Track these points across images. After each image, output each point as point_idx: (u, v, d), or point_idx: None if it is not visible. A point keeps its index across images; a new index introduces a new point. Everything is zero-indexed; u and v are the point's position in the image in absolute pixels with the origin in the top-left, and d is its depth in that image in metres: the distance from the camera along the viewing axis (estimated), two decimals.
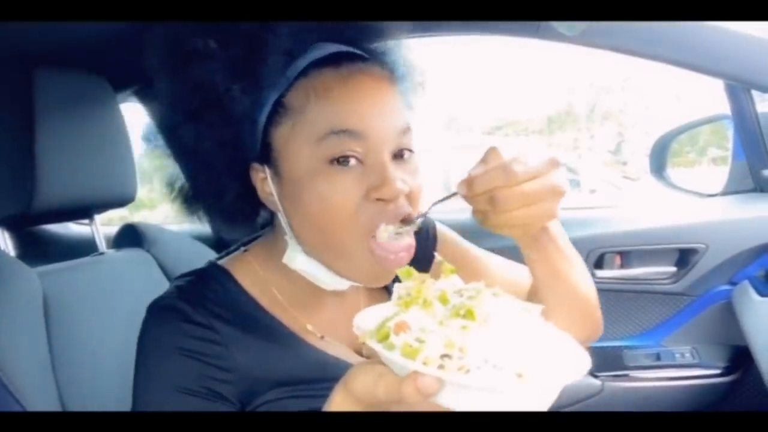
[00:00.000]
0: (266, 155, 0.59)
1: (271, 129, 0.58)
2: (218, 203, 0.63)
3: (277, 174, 0.59)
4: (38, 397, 0.76)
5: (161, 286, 0.66)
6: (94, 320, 0.89)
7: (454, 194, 0.55)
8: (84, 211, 1.04)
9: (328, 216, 0.56)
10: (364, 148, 0.55)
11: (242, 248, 0.69)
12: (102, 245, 1.10)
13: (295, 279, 0.64)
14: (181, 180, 0.63)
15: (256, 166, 0.60)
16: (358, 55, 0.59)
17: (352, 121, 0.55)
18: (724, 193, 1.39)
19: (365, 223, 0.56)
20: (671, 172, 1.57)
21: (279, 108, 0.57)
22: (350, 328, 0.68)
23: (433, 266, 0.74)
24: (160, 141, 0.63)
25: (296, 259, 0.62)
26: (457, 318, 0.44)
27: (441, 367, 0.40)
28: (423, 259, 0.77)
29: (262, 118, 0.58)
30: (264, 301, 0.63)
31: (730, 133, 1.37)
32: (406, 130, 0.59)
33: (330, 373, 0.59)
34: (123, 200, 1.02)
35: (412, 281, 0.50)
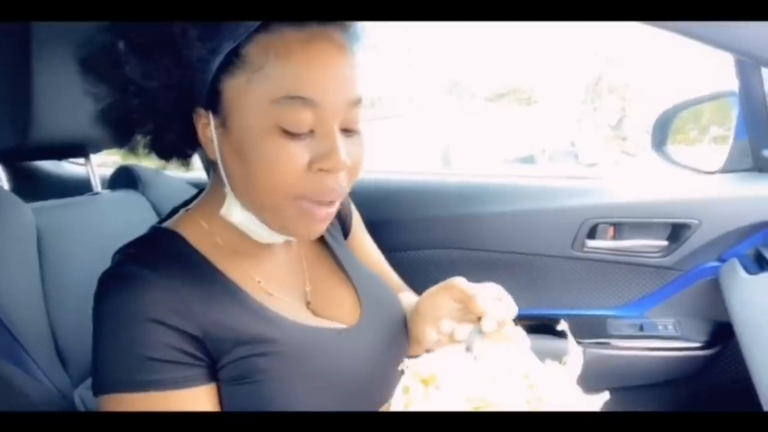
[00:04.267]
0: (213, 102, 0.57)
1: (223, 78, 0.55)
2: (158, 141, 0.61)
3: (223, 125, 0.57)
4: (30, 327, 0.76)
5: None
6: (86, 257, 0.89)
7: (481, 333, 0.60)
8: (80, 148, 1.03)
9: (269, 179, 0.56)
10: (316, 117, 0.55)
11: (183, 210, 0.68)
12: (97, 185, 1.09)
13: (237, 229, 0.63)
14: (119, 111, 0.59)
15: (200, 110, 0.59)
16: None
17: (309, 88, 0.54)
18: (723, 171, 1.39)
19: (302, 190, 0.56)
20: (672, 148, 1.56)
21: (234, 58, 0.54)
22: (296, 282, 0.70)
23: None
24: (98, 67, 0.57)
25: (233, 212, 0.61)
26: (470, 405, 0.42)
27: None
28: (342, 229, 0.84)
29: (214, 65, 0.55)
30: (214, 257, 0.62)
31: (733, 111, 1.36)
32: (357, 102, 0.58)
33: (282, 330, 0.60)
34: (119, 141, 1.01)
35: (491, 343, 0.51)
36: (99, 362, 0.56)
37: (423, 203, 1.41)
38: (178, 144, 0.62)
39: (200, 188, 1.22)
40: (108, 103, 0.59)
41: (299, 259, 0.73)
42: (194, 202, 0.68)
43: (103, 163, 1.64)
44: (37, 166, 1.51)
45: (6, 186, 0.95)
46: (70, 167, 1.61)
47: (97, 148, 1.07)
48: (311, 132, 0.55)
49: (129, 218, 1.02)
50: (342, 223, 0.84)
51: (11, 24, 0.85)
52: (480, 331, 0.60)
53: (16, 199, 0.84)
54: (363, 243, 0.88)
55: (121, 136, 0.62)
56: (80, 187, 1.08)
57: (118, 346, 0.54)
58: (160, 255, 0.60)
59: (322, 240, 0.77)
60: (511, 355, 0.49)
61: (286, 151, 0.54)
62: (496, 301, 0.62)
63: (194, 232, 0.63)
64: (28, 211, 0.84)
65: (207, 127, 0.59)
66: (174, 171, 1.48)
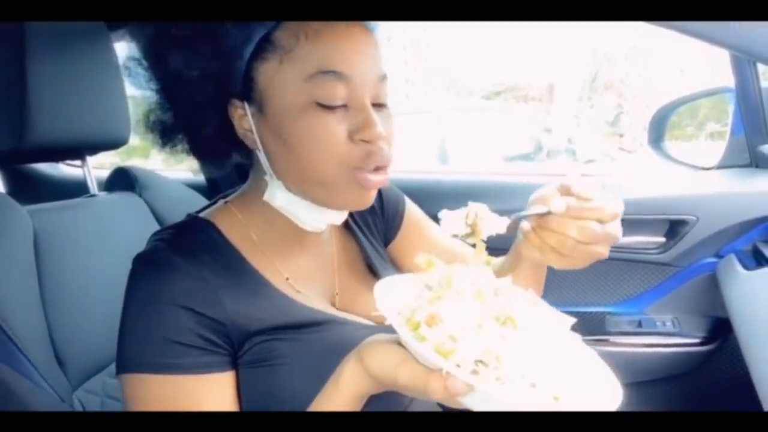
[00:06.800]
0: (248, 91, 0.59)
1: (256, 64, 0.58)
2: (196, 137, 0.63)
3: (260, 110, 0.59)
4: (27, 330, 0.76)
5: (152, 230, 0.66)
6: (84, 259, 0.89)
7: (547, 212, 0.57)
8: (76, 150, 1.03)
9: (314, 153, 0.57)
10: (349, 90, 0.57)
11: (222, 201, 0.69)
12: (94, 187, 1.09)
13: (274, 222, 0.65)
14: (158, 111, 0.63)
15: (235, 102, 0.61)
16: None
17: (341, 63, 0.56)
18: (720, 167, 1.39)
19: (353, 161, 0.58)
20: (669, 144, 1.56)
21: (266, 44, 0.57)
22: (325, 285, 0.70)
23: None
24: (140, 70, 0.62)
25: (277, 195, 0.63)
26: (496, 323, 0.43)
27: (475, 372, 0.39)
28: (391, 225, 0.83)
29: (247, 54, 0.58)
30: (245, 250, 0.64)
31: (730, 107, 1.36)
32: (384, 78, 0.61)
33: (305, 319, 0.62)
34: (116, 142, 1.01)
35: (434, 269, 0.50)
36: (124, 342, 0.57)
37: (420, 202, 1.41)
38: (215, 138, 0.63)
39: (197, 190, 1.22)
40: (150, 104, 0.62)
41: (330, 263, 0.73)
42: (233, 195, 0.70)
43: (100, 165, 1.63)
44: (34, 169, 1.50)
45: (2, 189, 0.95)
46: (67, 169, 1.60)
47: (94, 150, 1.06)
48: (345, 106, 0.58)
49: (126, 220, 1.01)
50: (388, 222, 0.83)
51: (6, 26, 0.84)
52: (549, 212, 0.57)
53: (13, 202, 0.84)
54: (425, 236, 0.85)
55: (161, 138, 0.64)
56: (77, 189, 1.07)
57: (143, 328, 0.56)
58: (193, 243, 0.61)
59: (355, 241, 0.78)
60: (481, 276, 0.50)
61: (324, 124, 0.57)
62: (598, 191, 0.58)
63: (229, 223, 0.65)
64: (24, 214, 0.84)
65: (243, 117, 0.61)
66: (171, 172, 1.47)
